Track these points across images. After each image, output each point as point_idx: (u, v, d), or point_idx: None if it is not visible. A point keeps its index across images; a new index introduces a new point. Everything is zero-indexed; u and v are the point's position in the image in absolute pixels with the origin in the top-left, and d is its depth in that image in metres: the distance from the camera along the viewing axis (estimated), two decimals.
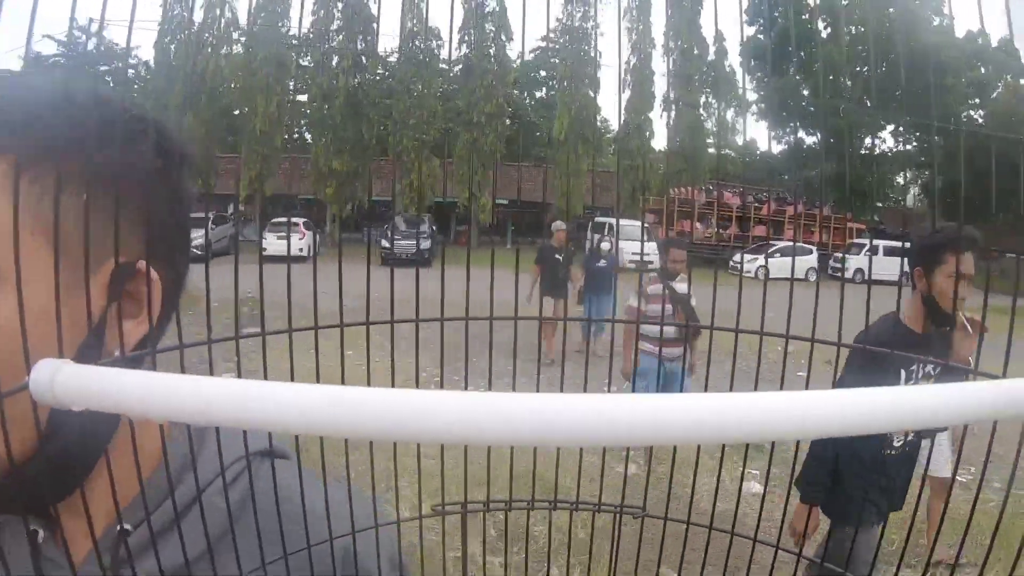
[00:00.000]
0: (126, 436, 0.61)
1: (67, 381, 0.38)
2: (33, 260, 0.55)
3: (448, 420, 0.34)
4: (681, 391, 5.22)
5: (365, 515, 0.73)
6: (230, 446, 0.72)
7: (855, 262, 22.64)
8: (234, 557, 0.62)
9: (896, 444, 2.81)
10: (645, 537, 0.83)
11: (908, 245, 2.90)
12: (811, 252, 21.95)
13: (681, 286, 5.71)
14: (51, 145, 0.57)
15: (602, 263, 9.87)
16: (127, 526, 0.65)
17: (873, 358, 2.43)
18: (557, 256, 9.66)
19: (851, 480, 2.80)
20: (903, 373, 2.62)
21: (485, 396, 0.34)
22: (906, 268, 2.92)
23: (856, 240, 25.82)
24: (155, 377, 0.39)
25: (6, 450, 0.49)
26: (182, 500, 0.68)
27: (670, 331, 5.52)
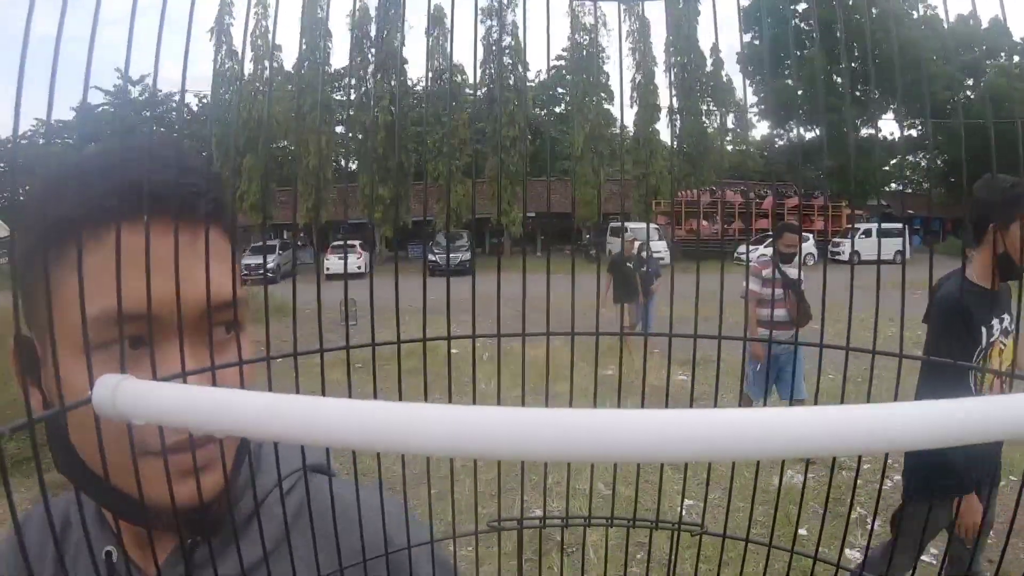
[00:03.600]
0: None
1: (127, 395, 0.37)
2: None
3: (463, 434, 0.32)
4: (793, 374, 5.11)
5: (420, 528, 0.71)
6: (287, 460, 0.72)
7: (855, 245, 22.13)
8: (290, 565, 0.60)
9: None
10: (710, 556, 0.75)
11: (979, 199, 2.53)
12: (808, 239, 21.55)
13: (792, 271, 5.32)
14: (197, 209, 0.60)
15: (645, 268, 9.88)
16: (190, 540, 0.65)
17: (956, 320, 2.33)
18: (629, 264, 9.70)
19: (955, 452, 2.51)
20: (984, 331, 2.40)
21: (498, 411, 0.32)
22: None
23: (855, 225, 25.28)
24: (212, 392, 0.37)
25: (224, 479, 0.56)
26: (244, 510, 0.69)
27: (781, 314, 5.21)
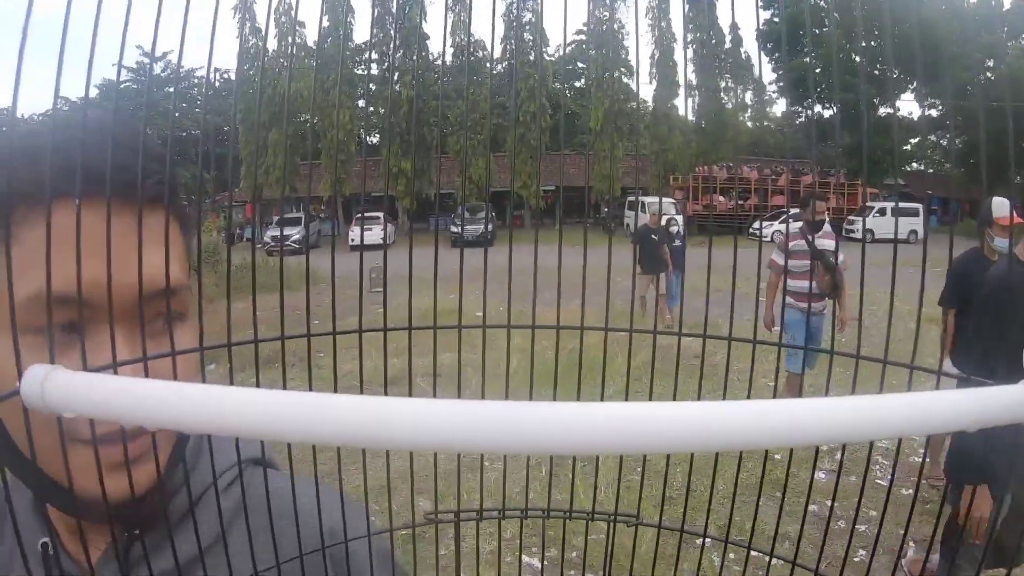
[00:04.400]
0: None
1: (57, 387, 0.35)
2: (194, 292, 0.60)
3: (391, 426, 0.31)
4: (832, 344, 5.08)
5: (358, 520, 0.68)
6: (227, 452, 0.70)
7: (869, 223, 21.83)
8: (226, 560, 0.56)
9: None
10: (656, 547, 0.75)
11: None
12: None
13: (825, 241, 5.15)
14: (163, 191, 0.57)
15: (677, 243, 9.84)
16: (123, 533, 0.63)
17: (1007, 301, 2.27)
18: (653, 236, 9.62)
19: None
20: None
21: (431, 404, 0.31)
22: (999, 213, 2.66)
23: (869, 204, 24.85)
24: (144, 383, 0.35)
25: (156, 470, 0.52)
26: (181, 505, 0.66)
27: (805, 286, 5.14)
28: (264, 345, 0.54)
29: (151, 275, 0.48)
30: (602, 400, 0.34)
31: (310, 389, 0.37)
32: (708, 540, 0.65)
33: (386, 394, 0.37)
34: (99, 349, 0.50)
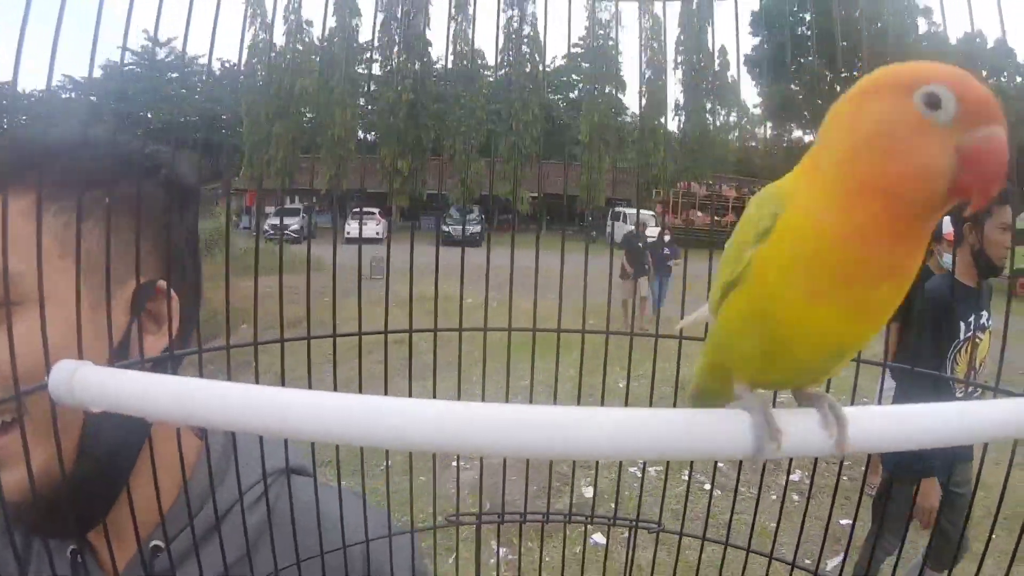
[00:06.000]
0: (147, 457, 0.56)
1: (85, 382, 0.34)
2: (64, 281, 0.50)
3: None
4: None
5: (380, 525, 0.67)
6: (256, 461, 0.67)
7: None
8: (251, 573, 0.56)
9: (958, 396, 2.71)
10: (669, 551, 0.73)
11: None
12: None
13: None
14: (70, 180, 0.54)
15: (666, 250, 10.00)
16: (157, 543, 0.61)
17: (941, 316, 2.36)
18: (639, 244, 9.81)
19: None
20: (963, 326, 2.48)
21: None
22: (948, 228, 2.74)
23: None
24: (169, 379, 0.35)
25: (58, 454, 0.45)
26: (208, 519, 0.63)
27: None
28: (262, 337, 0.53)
29: None
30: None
31: (309, 387, 0.36)
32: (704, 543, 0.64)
33: (385, 394, 0.36)
34: None
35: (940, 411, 0.37)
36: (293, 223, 21.86)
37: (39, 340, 0.41)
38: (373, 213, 22.54)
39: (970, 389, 2.30)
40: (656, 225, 13.15)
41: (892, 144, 0.32)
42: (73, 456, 0.55)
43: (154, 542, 0.61)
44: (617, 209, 19.76)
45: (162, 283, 0.60)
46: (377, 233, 20.62)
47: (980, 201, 0.32)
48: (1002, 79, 31.66)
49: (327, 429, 0.31)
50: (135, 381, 0.35)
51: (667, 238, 10.64)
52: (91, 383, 0.34)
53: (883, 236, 0.32)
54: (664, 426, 0.33)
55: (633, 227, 10.99)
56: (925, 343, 2.35)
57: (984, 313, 2.55)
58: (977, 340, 2.52)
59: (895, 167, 0.32)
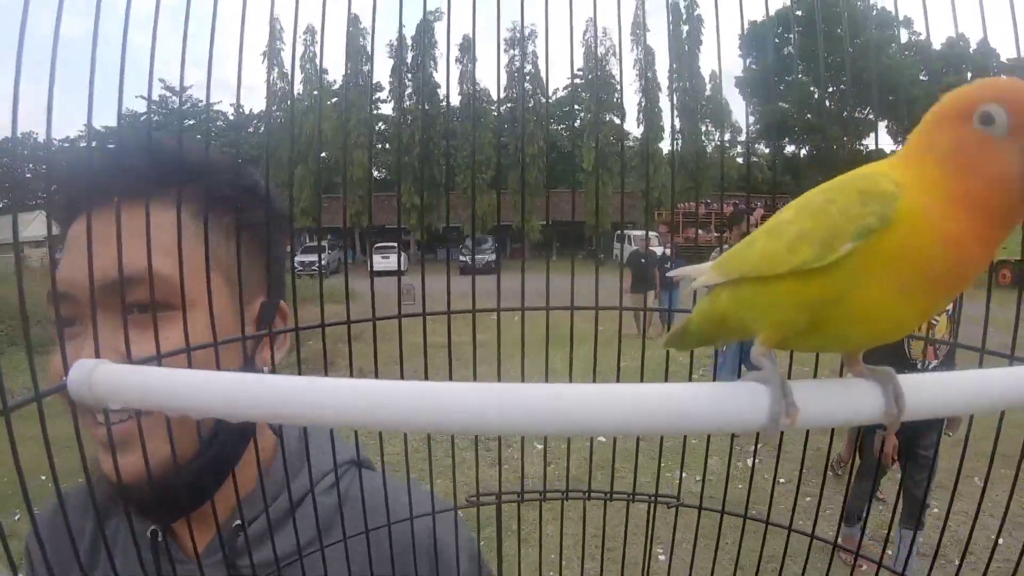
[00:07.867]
0: (250, 450, 0.61)
1: (103, 380, 0.33)
2: (216, 293, 0.52)
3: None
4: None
5: (442, 509, 0.68)
6: (329, 454, 0.68)
7: None
8: (321, 557, 0.58)
9: (919, 369, 2.80)
10: (684, 525, 0.69)
11: None
12: None
13: None
14: (224, 197, 0.58)
15: (669, 265, 10.09)
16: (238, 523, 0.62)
17: None
18: (643, 260, 9.89)
19: None
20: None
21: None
22: None
23: None
24: (186, 374, 0.34)
25: (171, 450, 0.47)
26: (283, 506, 0.65)
27: None
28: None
29: (126, 264, 0.42)
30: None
31: (351, 375, 0.35)
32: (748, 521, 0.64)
33: (426, 378, 0.36)
34: (86, 341, 0.50)
35: (987, 377, 0.38)
36: (323, 258, 22.27)
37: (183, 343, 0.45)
38: (393, 247, 22.91)
39: (928, 363, 2.57)
40: (660, 244, 13.29)
41: (968, 164, 0.34)
42: (193, 448, 0.57)
43: (236, 522, 0.63)
44: (622, 231, 19.86)
45: (284, 304, 0.64)
46: (401, 265, 20.99)
47: None
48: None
49: (336, 414, 0.32)
50: (152, 377, 0.34)
51: (668, 252, 10.67)
52: (109, 381, 0.33)
53: (976, 244, 0.34)
54: (687, 401, 0.33)
55: (637, 247, 11.08)
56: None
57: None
58: (932, 323, 2.68)
59: (976, 184, 0.34)
